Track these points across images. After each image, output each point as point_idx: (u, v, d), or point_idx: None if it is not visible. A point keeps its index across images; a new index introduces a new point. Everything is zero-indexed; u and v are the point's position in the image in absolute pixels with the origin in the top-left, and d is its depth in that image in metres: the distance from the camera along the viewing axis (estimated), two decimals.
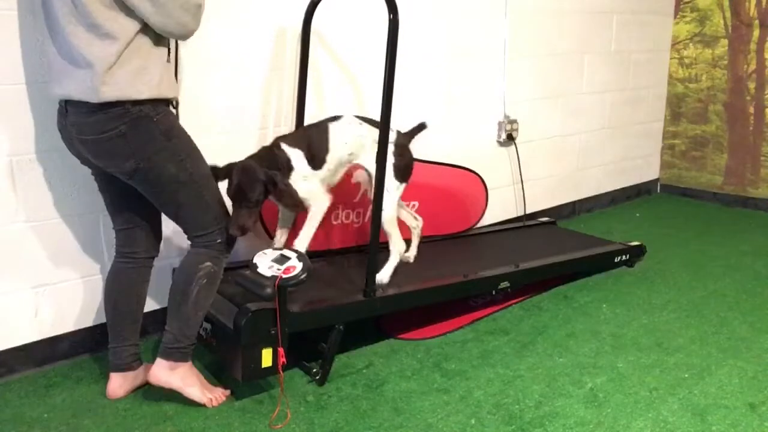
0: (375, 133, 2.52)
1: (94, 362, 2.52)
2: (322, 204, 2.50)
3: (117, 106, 1.90)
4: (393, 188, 2.60)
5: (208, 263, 2.14)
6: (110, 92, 1.88)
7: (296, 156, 2.44)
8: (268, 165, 2.32)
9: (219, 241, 2.16)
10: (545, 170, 4.18)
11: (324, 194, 2.51)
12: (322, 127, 2.55)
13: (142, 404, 2.24)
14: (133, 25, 1.88)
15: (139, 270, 2.27)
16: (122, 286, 2.25)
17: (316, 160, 2.48)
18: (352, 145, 2.56)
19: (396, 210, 2.67)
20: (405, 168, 2.64)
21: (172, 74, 2.05)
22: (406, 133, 2.72)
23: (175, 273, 2.19)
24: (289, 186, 2.34)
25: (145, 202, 2.15)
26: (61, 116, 2.03)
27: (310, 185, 2.46)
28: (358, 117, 2.63)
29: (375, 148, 2.47)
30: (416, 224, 2.98)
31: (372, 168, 2.54)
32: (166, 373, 2.17)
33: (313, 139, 2.50)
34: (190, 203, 2.09)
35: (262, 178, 2.24)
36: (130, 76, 1.89)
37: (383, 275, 2.62)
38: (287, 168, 2.41)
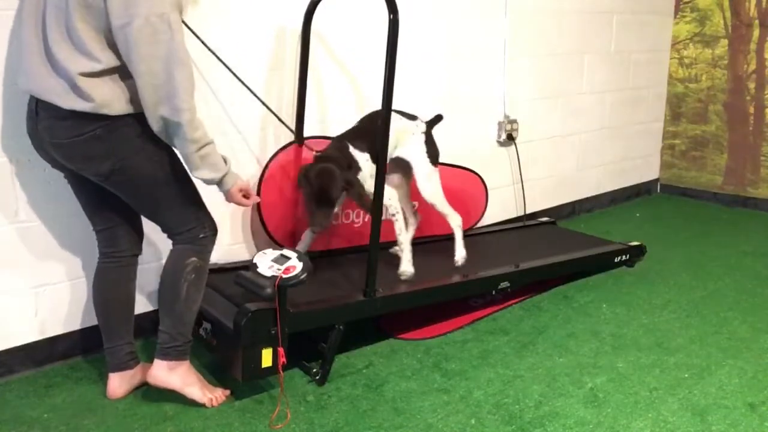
0: (410, 125, 2.80)
1: (93, 362, 2.52)
2: (391, 195, 2.65)
3: (91, 114, 1.89)
4: (432, 173, 2.84)
5: (194, 258, 2.13)
6: (85, 106, 1.87)
7: (363, 158, 2.59)
8: (344, 166, 2.50)
9: (201, 236, 2.14)
10: (545, 170, 4.18)
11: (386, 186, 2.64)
12: (374, 124, 2.64)
13: (142, 404, 2.24)
14: (117, 58, 1.89)
15: (125, 269, 2.26)
16: (110, 286, 2.25)
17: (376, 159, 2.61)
18: (396, 139, 2.71)
19: (442, 189, 2.88)
20: (436, 153, 2.87)
21: None
22: (428, 122, 2.91)
23: (162, 273, 2.18)
24: (361, 186, 2.50)
25: (122, 202, 2.13)
26: (31, 120, 2.00)
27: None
28: (395, 111, 2.73)
29: (411, 139, 2.79)
30: (415, 221, 3.04)
31: (412, 158, 2.80)
32: (165, 374, 2.17)
33: (373, 139, 2.60)
34: (170, 202, 2.08)
35: (341, 182, 2.44)
36: (106, 95, 1.88)
37: (460, 252, 2.95)
38: (356, 169, 2.57)
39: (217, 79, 2.69)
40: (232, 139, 2.78)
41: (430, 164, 2.82)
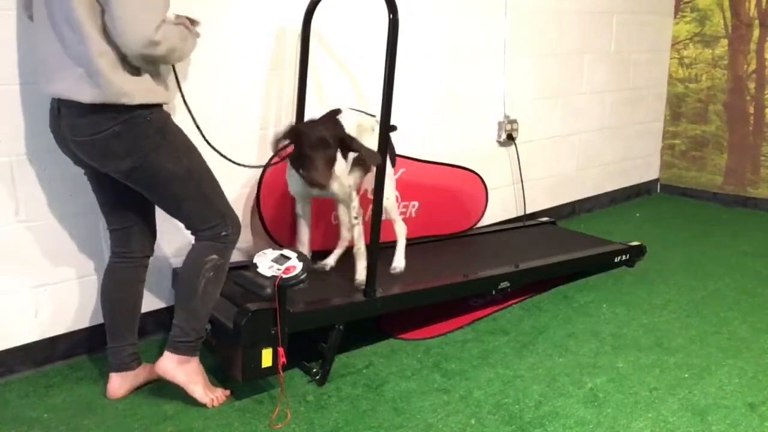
0: (370, 120, 2.70)
1: (94, 362, 2.52)
2: (356, 198, 2.57)
3: (110, 108, 1.90)
4: (390, 174, 2.71)
5: (214, 256, 2.13)
6: (102, 96, 1.88)
7: None
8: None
9: (224, 233, 2.15)
10: (545, 170, 4.18)
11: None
12: (334, 120, 2.56)
13: (141, 404, 2.24)
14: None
15: (136, 269, 2.27)
16: (119, 286, 2.25)
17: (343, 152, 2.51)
18: (358, 135, 2.59)
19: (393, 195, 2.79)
20: (394, 154, 2.79)
21: (164, 80, 2.04)
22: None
23: (181, 266, 2.19)
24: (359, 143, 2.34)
25: (139, 202, 2.15)
26: (53, 118, 2.02)
27: (347, 178, 2.52)
28: (351, 109, 2.70)
29: (370, 135, 2.63)
30: (348, 237, 2.84)
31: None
32: (173, 367, 2.17)
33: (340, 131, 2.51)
34: (191, 198, 2.08)
35: (340, 136, 2.32)
36: (121, 82, 1.89)
37: (399, 261, 2.80)
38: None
39: (216, 79, 2.69)
40: (233, 139, 2.78)
41: (390, 165, 2.69)
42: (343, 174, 2.49)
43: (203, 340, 2.21)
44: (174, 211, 2.14)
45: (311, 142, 2.27)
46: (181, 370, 2.17)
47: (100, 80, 1.86)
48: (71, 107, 1.92)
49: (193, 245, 2.18)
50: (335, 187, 2.46)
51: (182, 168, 2.03)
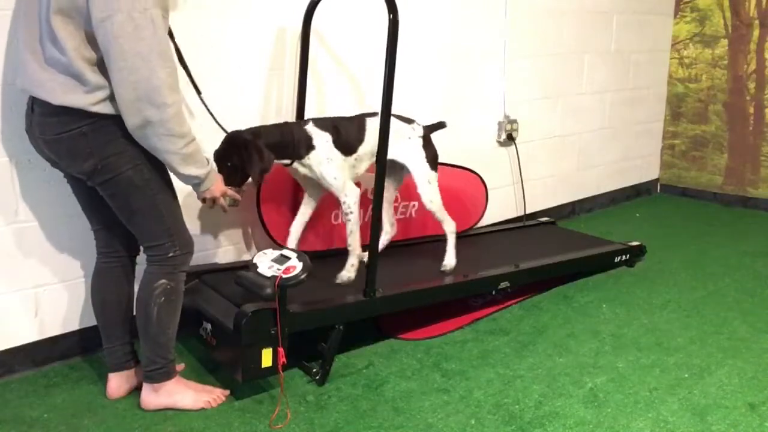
0: (406, 128, 2.76)
1: (93, 362, 2.52)
2: (352, 193, 2.57)
3: (81, 111, 1.89)
4: (432, 178, 2.81)
5: (163, 281, 2.10)
6: (75, 101, 1.87)
7: (321, 137, 2.52)
8: (278, 138, 2.43)
9: (171, 255, 2.10)
10: (545, 170, 4.18)
11: (351, 183, 2.59)
12: (358, 119, 2.67)
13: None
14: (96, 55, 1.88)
15: (122, 269, 2.25)
16: (107, 286, 2.24)
17: (345, 147, 2.58)
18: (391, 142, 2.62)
19: (440, 196, 2.84)
20: (435, 158, 2.83)
21: None
22: (427, 127, 2.87)
23: (137, 294, 2.16)
24: (262, 154, 2.36)
25: None
26: (27, 117, 2.02)
27: (335, 169, 2.54)
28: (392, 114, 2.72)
29: (406, 142, 2.74)
30: (391, 231, 3.00)
31: (405, 159, 2.75)
32: (153, 397, 2.18)
33: (346, 128, 2.60)
34: (143, 211, 2.05)
35: (239, 144, 2.35)
36: (98, 94, 1.88)
37: (450, 259, 2.88)
38: (306, 146, 2.50)
39: (216, 79, 2.69)
40: None
41: (429, 169, 2.78)
42: (329, 163, 2.52)
43: (173, 361, 2.19)
44: (127, 221, 2.09)
45: (215, 156, 2.39)
46: (161, 394, 2.18)
47: (78, 88, 1.86)
48: (43, 106, 1.91)
49: (144, 272, 2.15)
50: (324, 173, 2.51)
51: (141, 178, 2.00)
